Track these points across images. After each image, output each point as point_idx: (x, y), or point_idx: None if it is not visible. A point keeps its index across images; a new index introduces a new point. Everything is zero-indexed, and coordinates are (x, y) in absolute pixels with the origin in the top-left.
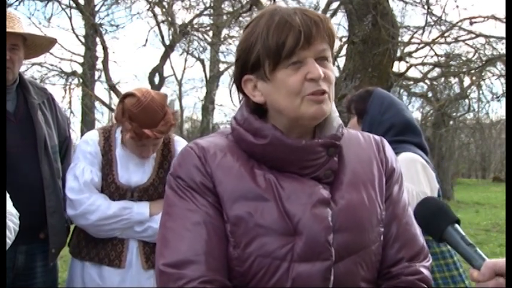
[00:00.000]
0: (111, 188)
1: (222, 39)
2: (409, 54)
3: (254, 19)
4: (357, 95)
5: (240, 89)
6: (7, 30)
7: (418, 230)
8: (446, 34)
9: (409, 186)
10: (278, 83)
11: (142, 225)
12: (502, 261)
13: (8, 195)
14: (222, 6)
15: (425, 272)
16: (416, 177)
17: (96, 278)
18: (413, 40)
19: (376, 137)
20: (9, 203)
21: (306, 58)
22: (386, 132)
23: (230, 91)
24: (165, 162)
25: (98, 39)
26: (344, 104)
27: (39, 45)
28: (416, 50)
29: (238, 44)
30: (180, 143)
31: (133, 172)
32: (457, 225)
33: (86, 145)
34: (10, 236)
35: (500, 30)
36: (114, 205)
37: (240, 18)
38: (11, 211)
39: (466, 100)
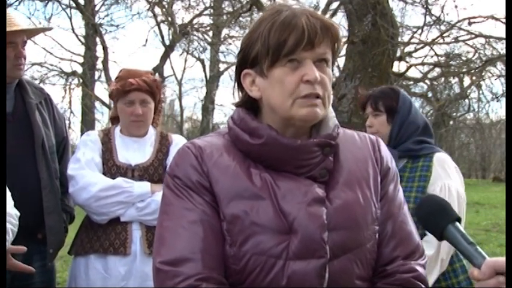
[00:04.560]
0: (112, 170)
1: (222, 39)
2: (409, 54)
3: (262, 15)
4: (381, 91)
5: (239, 83)
6: (19, 28)
7: (413, 228)
8: (445, 34)
9: (451, 183)
10: (274, 80)
11: (144, 201)
12: (502, 259)
13: (9, 195)
14: (222, 6)
15: (421, 270)
16: (453, 176)
17: (102, 270)
18: (413, 40)
19: (372, 136)
20: (10, 204)
21: (305, 59)
22: (413, 133)
23: (234, 86)
24: (163, 147)
25: (98, 39)
26: (361, 100)
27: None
28: (416, 50)
29: (243, 38)
30: (177, 136)
31: (133, 153)
32: (457, 224)
33: (86, 136)
34: (8, 238)
35: (500, 30)
36: (116, 179)
37: (240, 18)
38: (10, 212)
39: (466, 100)
